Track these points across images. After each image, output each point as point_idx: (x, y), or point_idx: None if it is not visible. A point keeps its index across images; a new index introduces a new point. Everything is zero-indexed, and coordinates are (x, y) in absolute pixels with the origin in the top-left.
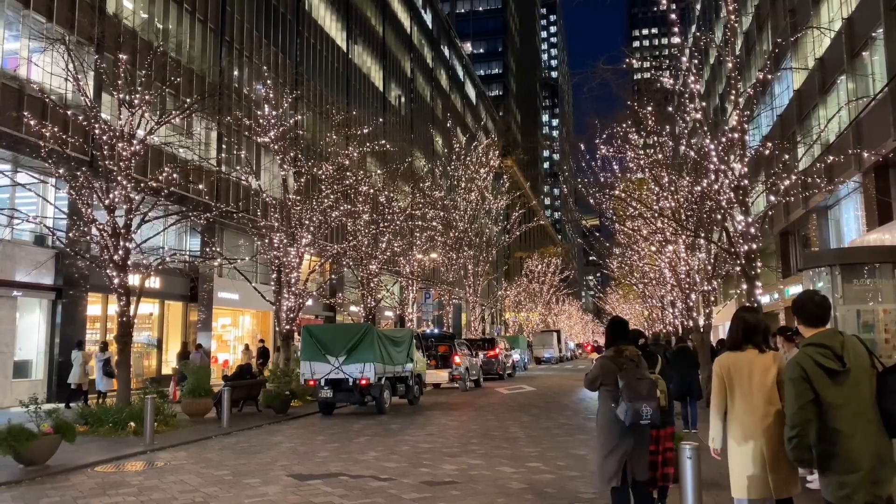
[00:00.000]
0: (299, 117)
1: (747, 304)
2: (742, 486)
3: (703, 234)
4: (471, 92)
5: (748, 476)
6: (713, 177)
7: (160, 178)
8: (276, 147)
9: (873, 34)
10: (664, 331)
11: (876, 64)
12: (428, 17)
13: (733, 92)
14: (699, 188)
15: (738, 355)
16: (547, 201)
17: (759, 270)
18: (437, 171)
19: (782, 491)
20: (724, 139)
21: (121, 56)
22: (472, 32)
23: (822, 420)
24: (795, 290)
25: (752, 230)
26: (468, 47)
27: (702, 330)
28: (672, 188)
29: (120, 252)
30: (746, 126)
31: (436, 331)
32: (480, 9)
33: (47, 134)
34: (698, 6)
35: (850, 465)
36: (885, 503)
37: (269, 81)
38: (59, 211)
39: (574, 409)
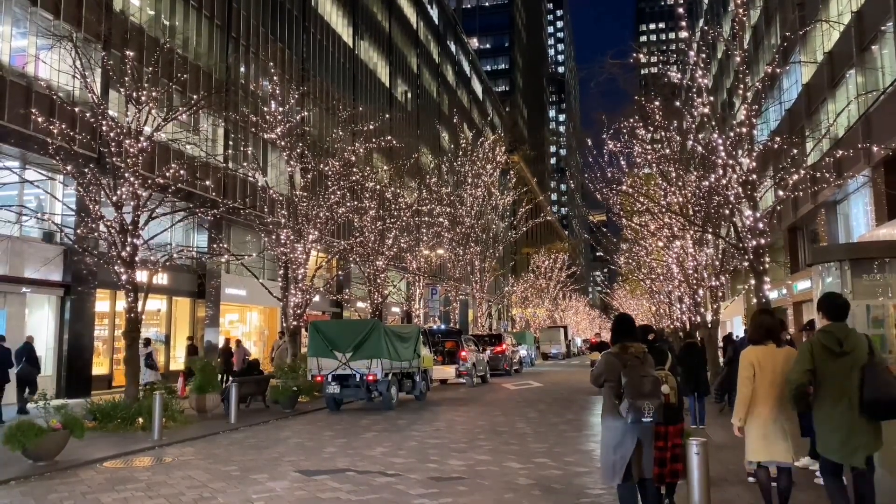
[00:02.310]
0: (306, 113)
1: (765, 307)
2: (764, 452)
3: (710, 230)
4: (477, 87)
5: (771, 445)
6: (721, 171)
7: (167, 174)
8: (282, 143)
9: (883, 28)
10: (670, 326)
11: (885, 57)
12: (434, 13)
13: (741, 86)
14: (707, 183)
15: (762, 349)
16: (554, 197)
17: (767, 266)
18: (444, 167)
19: (797, 456)
20: (731, 134)
21: (128, 53)
22: (478, 28)
23: (818, 387)
24: (804, 285)
25: (761, 225)
26: (474, 43)
27: (709, 325)
28: (680, 183)
29: (128, 248)
30: (754, 120)
31: (443, 327)
32: (487, 4)
33: (55, 131)
34: (706, 0)
35: (832, 428)
36: (862, 470)
37: (275, 78)
38: (67, 208)
39: (581, 405)
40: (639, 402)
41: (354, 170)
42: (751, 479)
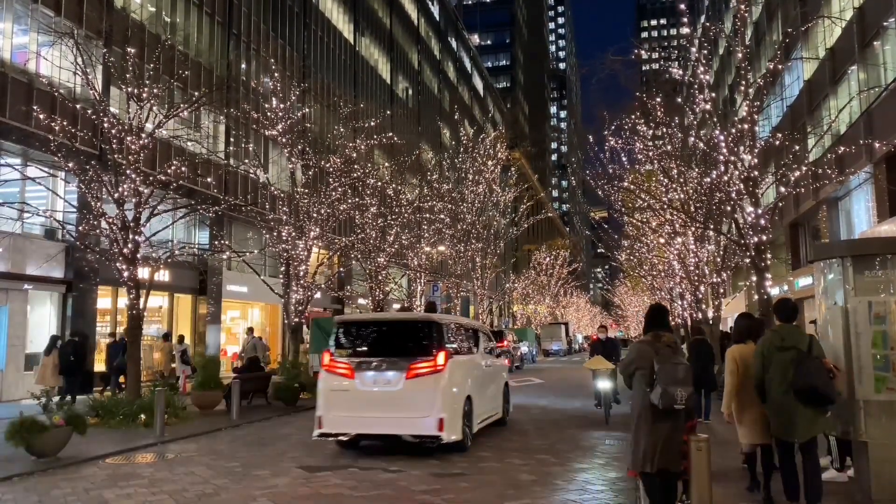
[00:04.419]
0: (307, 110)
1: (744, 312)
2: (753, 434)
3: (712, 226)
4: (478, 84)
5: (756, 429)
6: (722, 168)
7: (169, 171)
8: (283, 140)
9: (885, 24)
10: (672, 323)
11: (888, 53)
12: (435, 9)
13: (743, 82)
14: (708, 180)
15: (744, 346)
16: (555, 193)
17: (768, 262)
18: (445, 163)
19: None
20: (733, 130)
21: (129, 50)
22: (479, 24)
23: (767, 376)
24: (805, 281)
25: (762, 221)
26: (475, 39)
27: (711, 322)
28: (681, 180)
29: (129, 245)
30: (756, 117)
31: None
32: (488, 0)
33: (56, 128)
34: None
35: (776, 410)
36: (803, 444)
37: (276, 74)
38: (68, 204)
39: (583, 401)
40: (672, 389)
41: (355, 166)
42: (744, 466)
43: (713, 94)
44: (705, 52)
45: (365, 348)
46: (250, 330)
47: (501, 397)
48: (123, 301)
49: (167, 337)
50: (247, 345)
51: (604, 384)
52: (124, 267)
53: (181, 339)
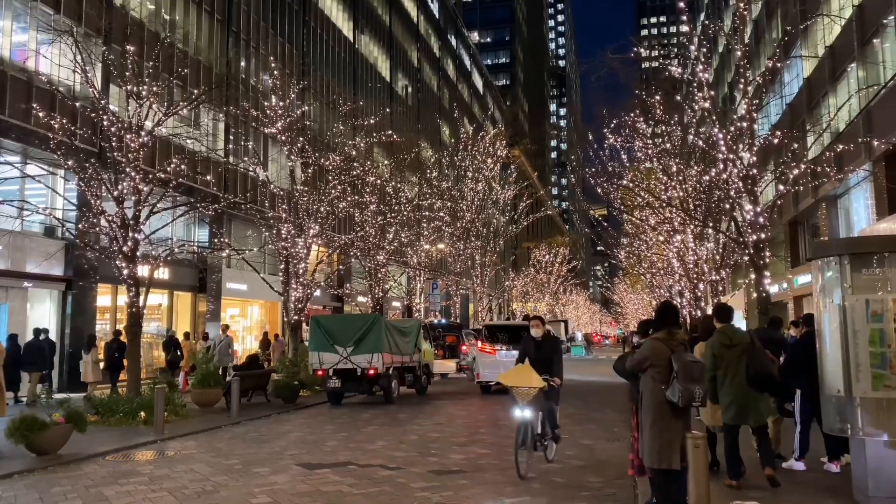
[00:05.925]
0: (306, 108)
1: (707, 314)
2: (728, 416)
3: (711, 224)
4: (478, 82)
5: (718, 414)
6: (722, 166)
7: (168, 169)
8: (283, 138)
9: (884, 21)
10: None
11: (887, 51)
12: (435, 7)
13: (742, 80)
14: (707, 178)
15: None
16: (555, 191)
17: (767, 260)
18: (444, 161)
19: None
20: (732, 128)
21: (128, 47)
22: (479, 22)
23: (720, 372)
24: (804, 279)
25: (761, 220)
26: (475, 37)
27: None
28: (680, 178)
29: (129, 243)
30: (755, 115)
31: (443, 321)
32: None
33: (56, 126)
34: None
35: (730, 401)
36: (755, 429)
37: (275, 72)
38: (68, 202)
39: (582, 399)
40: (691, 387)
41: (355, 164)
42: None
43: (712, 93)
44: (704, 50)
45: (500, 338)
46: (225, 327)
47: (561, 367)
48: (123, 299)
49: (188, 336)
50: (219, 342)
51: (524, 413)
52: (124, 265)
53: (205, 336)
